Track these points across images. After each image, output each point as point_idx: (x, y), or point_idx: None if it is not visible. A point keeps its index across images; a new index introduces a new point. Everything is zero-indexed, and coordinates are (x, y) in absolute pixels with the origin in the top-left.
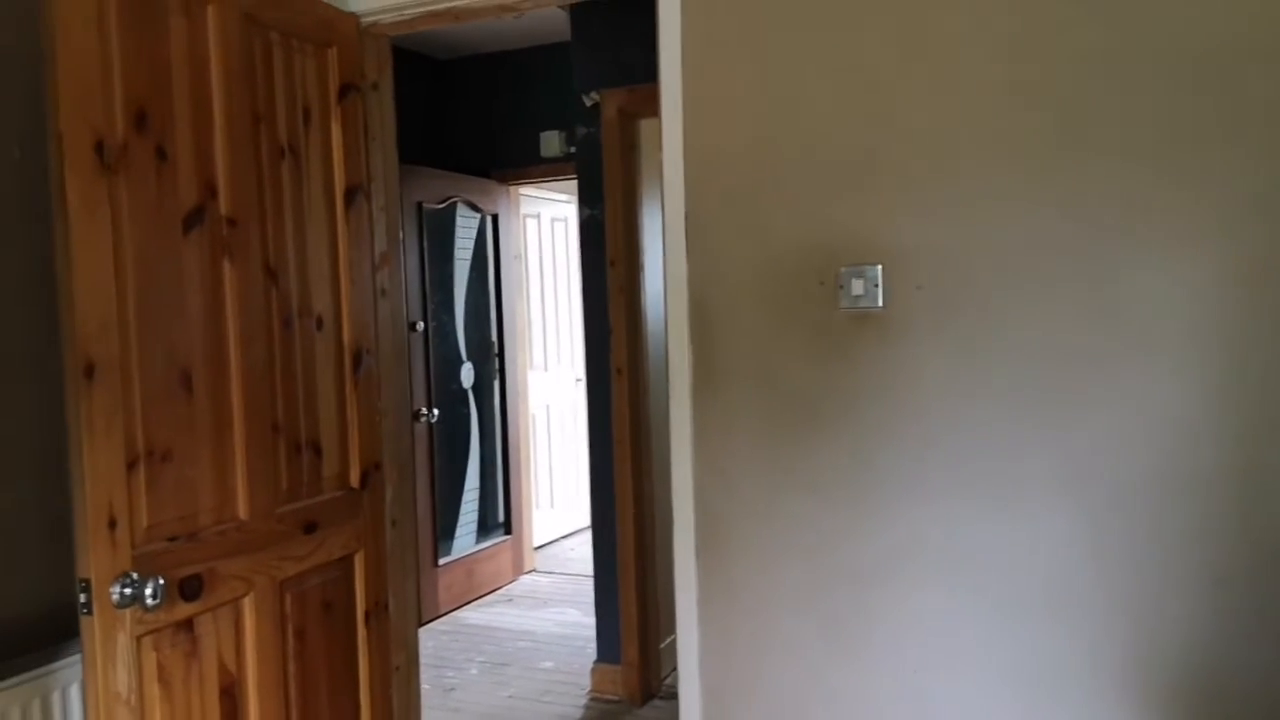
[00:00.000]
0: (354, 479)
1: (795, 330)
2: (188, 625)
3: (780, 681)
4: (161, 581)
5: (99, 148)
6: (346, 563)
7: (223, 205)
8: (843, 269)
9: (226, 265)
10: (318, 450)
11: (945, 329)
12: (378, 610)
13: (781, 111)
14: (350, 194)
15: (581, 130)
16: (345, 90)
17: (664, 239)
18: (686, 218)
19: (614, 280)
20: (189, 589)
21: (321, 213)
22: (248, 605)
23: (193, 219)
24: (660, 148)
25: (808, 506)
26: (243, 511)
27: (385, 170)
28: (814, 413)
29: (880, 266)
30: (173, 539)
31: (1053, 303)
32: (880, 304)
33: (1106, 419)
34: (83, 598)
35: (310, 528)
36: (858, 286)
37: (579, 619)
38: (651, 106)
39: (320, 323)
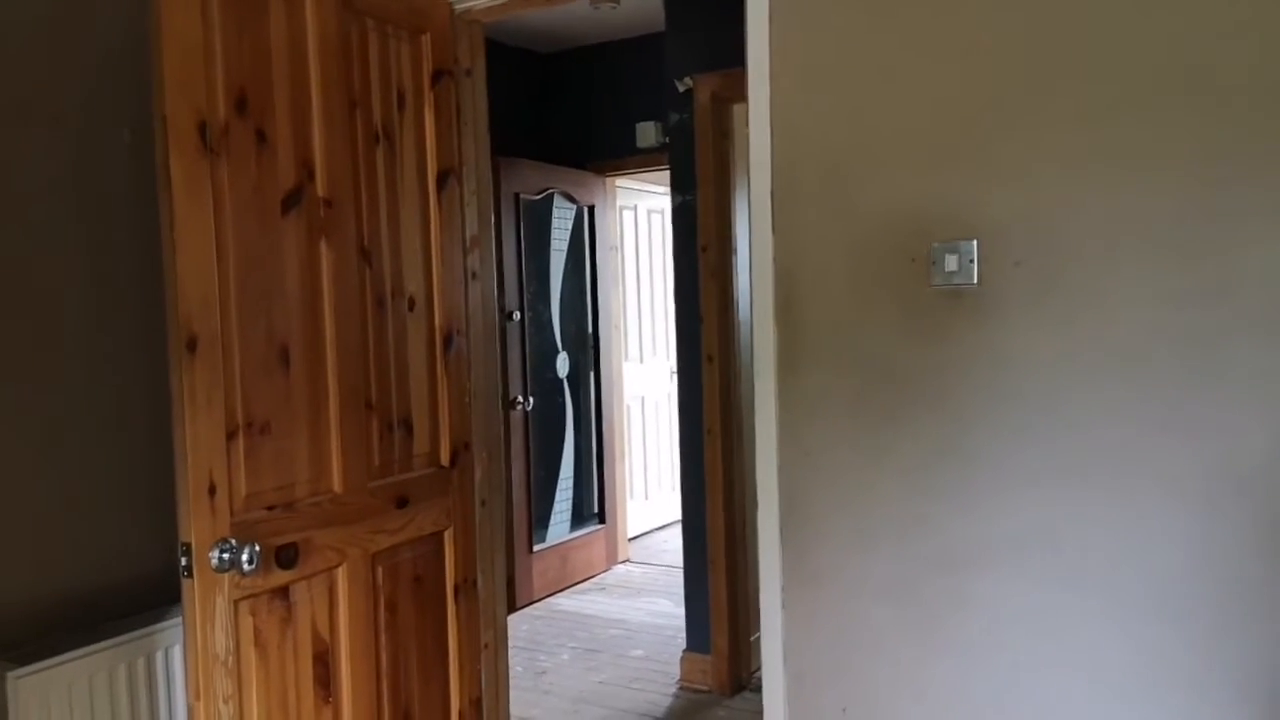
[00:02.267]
0: (444, 457)
1: (884, 309)
2: (283, 592)
3: (868, 673)
4: (258, 548)
5: (201, 130)
6: (437, 539)
7: (320, 187)
8: (935, 245)
9: (323, 246)
10: (409, 428)
11: (1045, 307)
12: (466, 587)
13: (872, 82)
14: (442, 178)
15: (675, 117)
16: (438, 76)
17: (750, 215)
18: (773, 194)
19: (705, 266)
20: (284, 557)
21: (414, 196)
22: (341, 575)
23: (291, 200)
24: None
25: (897, 491)
26: (337, 484)
27: (477, 155)
28: (904, 395)
29: (975, 241)
30: (270, 508)
31: (1164, 280)
32: (975, 281)
33: (1224, 406)
34: (183, 561)
35: (402, 503)
36: (951, 263)
37: (670, 609)
38: (744, 91)
39: (412, 304)
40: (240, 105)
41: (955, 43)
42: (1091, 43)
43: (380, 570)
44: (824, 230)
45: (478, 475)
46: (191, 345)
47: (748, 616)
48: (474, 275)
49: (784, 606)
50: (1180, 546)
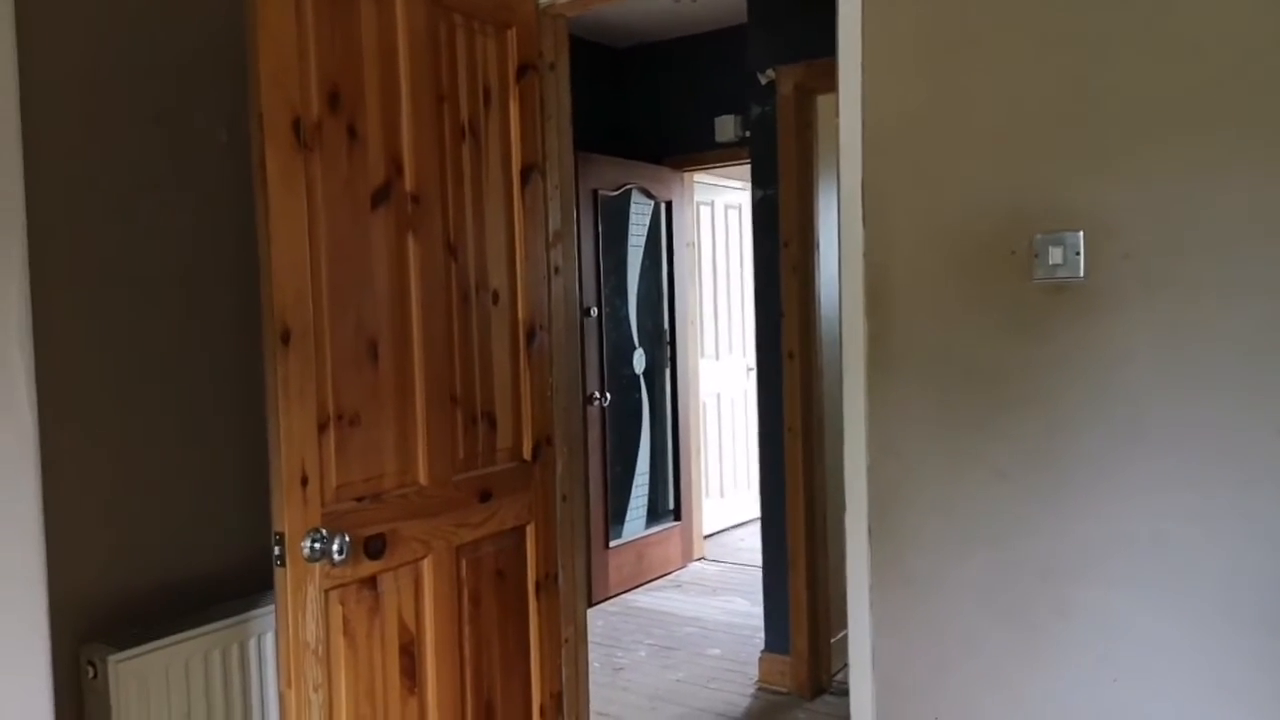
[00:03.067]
0: (526, 452)
1: (982, 303)
2: (371, 582)
3: (961, 682)
4: (348, 539)
5: (296, 126)
6: (519, 533)
7: (408, 183)
8: (1038, 236)
9: (410, 240)
10: (492, 422)
11: (1157, 304)
12: (548, 582)
13: (972, 68)
14: (526, 173)
15: (756, 109)
16: (523, 70)
17: (839, 207)
18: (863, 184)
19: (787, 261)
20: (373, 548)
21: (499, 191)
22: (427, 567)
23: (380, 195)
24: (838, 122)
25: (993, 493)
26: (423, 477)
27: (560, 150)
28: (1002, 393)
29: (1082, 233)
30: (359, 499)
31: None
32: (1081, 274)
33: None
34: (276, 550)
35: (485, 496)
36: (1055, 255)
37: (747, 608)
38: (829, 81)
39: (496, 298)
40: (333, 101)
41: (1064, 28)
42: (1214, 36)
43: (464, 563)
44: (917, 222)
45: (559, 470)
46: (285, 338)
47: (828, 618)
48: (556, 270)
49: (872, 610)
50: None
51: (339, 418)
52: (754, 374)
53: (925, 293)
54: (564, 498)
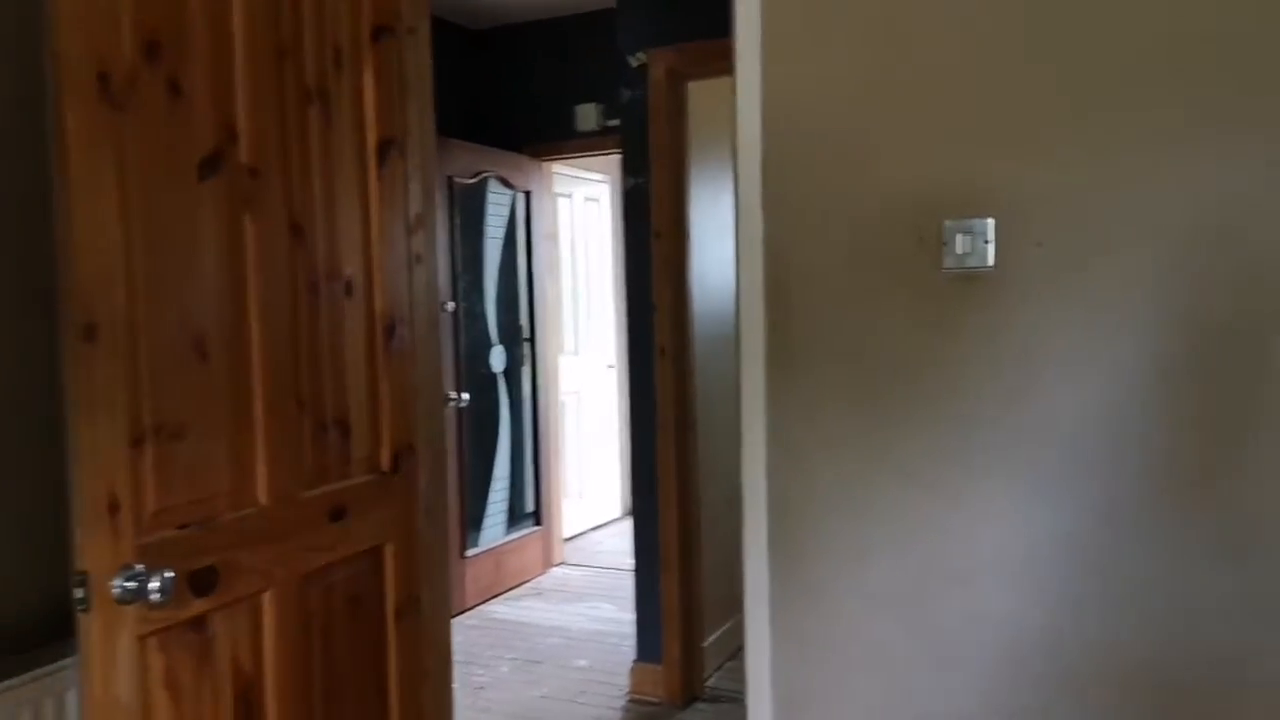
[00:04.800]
0: (385, 462)
1: (889, 294)
2: (200, 623)
3: (863, 691)
4: (170, 574)
5: (104, 79)
6: (376, 554)
7: (243, 152)
8: (947, 223)
9: (247, 219)
10: (345, 429)
11: (1071, 295)
12: (409, 607)
13: (878, 46)
14: (384, 148)
15: (626, 94)
16: (379, 33)
17: (736, 191)
18: (763, 168)
19: (659, 254)
20: (202, 582)
21: (352, 167)
22: (268, 601)
23: (209, 165)
24: (713, 111)
25: (901, 496)
26: (263, 496)
27: (421, 126)
28: (910, 389)
29: (992, 220)
30: (184, 526)
31: (1208, 268)
32: (991, 263)
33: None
34: (79, 592)
35: (337, 515)
36: (964, 243)
37: (614, 614)
38: (703, 67)
39: (350, 288)
40: (151, 50)
41: (978, 4)
42: (1130, 18)
43: (313, 593)
44: (821, 207)
45: (422, 481)
46: (90, 333)
47: (701, 623)
48: (418, 258)
49: (772, 621)
50: (1206, 568)
51: (158, 430)
52: (615, 371)
53: (829, 283)
54: (428, 511)
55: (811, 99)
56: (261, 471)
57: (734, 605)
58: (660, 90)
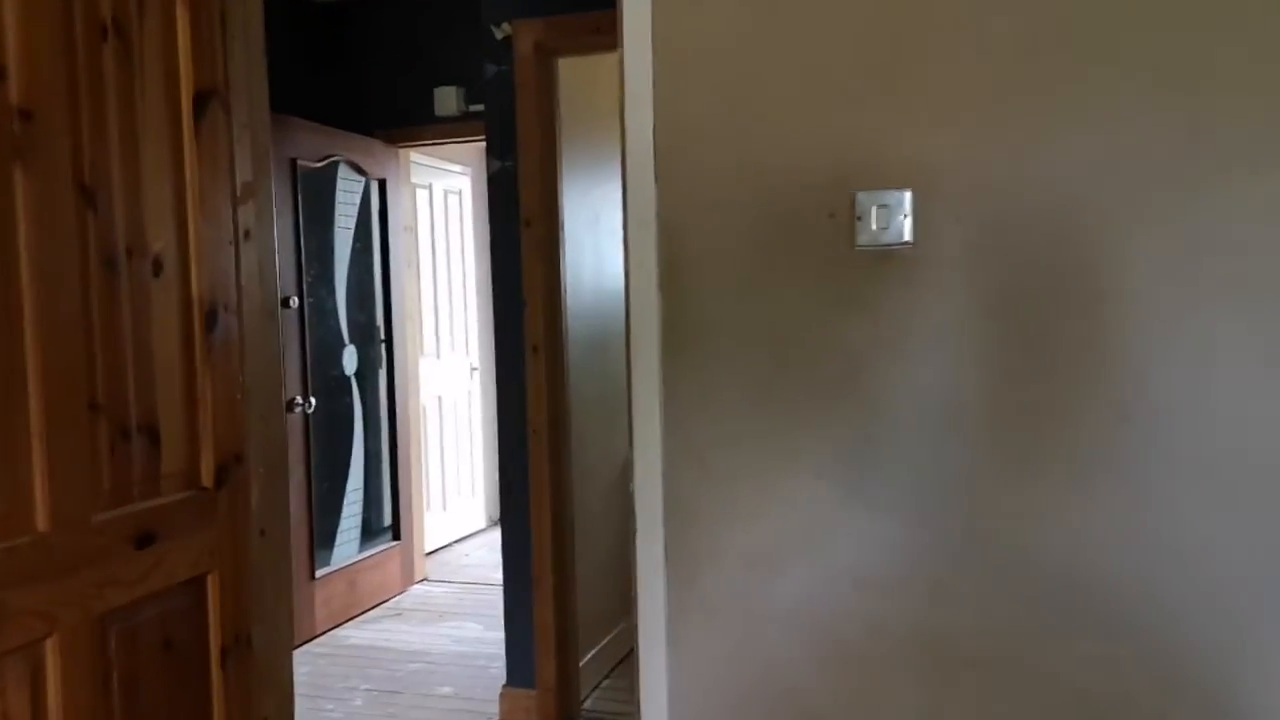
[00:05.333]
0: (205, 476)
1: (795, 274)
2: None
3: (766, 717)
4: None
5: None
6: (196, 586)
7: (13, 90)
8: (860, 195)
9: (18, 174)
10: (154, 437)
11: (993, 273)
12: (238, 647)
13: None
14: (201, 101)
15: (491, 69)
16: None
17: (624, 167)
18: (655, 134)
19: (529, 243)
20: None
21: (161, 122)
22: (51, 650)
23: None
24: (583, 91)
25: (811, 497)
26: (42, 520)
27: (250, 78)
28: (820, 379)
29: (909, 192)
30: None
31: (1140, 241)
32: (908, 238)
33: (1207, 393)
34: None
35: (145, 540)
36: (880, 217)
37: (479, 634)
38: (573, 41)
39: (159, 266)
40: None
41: None
42: None
43: (113, 637)
44: (722, 179)
45: (254, 497)
46: None
47: (577, 641)
48: (247, 235)
49: (670, 643)
50: (1139, 555)
51: None
52: (478, 374)
53: (731, 261)
54: (262, 532)
55: (707, 61)
56: (40, 490)
57: (611, 619)
58: (528, 65)
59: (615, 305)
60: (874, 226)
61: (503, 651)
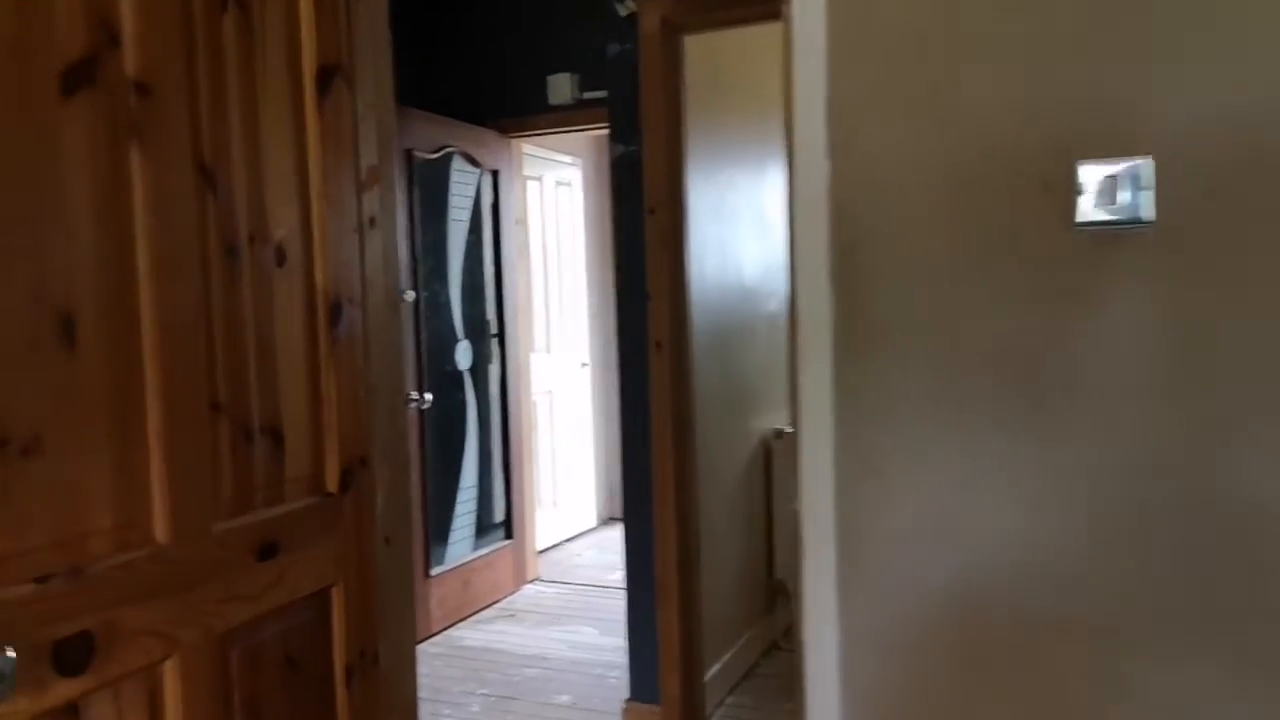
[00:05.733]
0: (330, 481)
1: (1002, 260)
2: (69, 712)
3: None
4: (10, 653)
5: None
6: (320, 600)
7: (129, 61)
8: (1082, 165)
9: (135, 154)
10: (278, 439)
11: (1262, 259)
12: (364, 663)
13: None
14: (325, 77)
15: (614, 48)
16: None
17: (791, 138)
18: (830, 103)
19: (653, 232)
20: (71, 656)
21: (283, 99)
22: (170, 673)
23: (78, 76)
24: (708, 70)
25: (1016, 528)
26: (161, 532)
27: (375, 55)
28: (1028, 385)
29: (1151, 160)
30: (41, 580)
31: None
32: (1145, 217)
33: None
34: None
35: (267, 551)
36: (1107, 192)
37: (595, 640)
38: (702, 18)
39: (282, 255)
40: None
41: None
42: None
43: (234, 656)
44: (908, 150)
45: (379, 502)
46: None
47: (702, 655)
48: (372, 222)
49: (844, 684)
50: None
51: (4, 442)
52: (588, 370)
53: (919, 246)
54: (387, 540)
55: (891, 14)
56: (159, 498)
57: (735, 628)
58: (653, 44)
59: (738, 298)
60: (1100, 202)
61: (620, 659)
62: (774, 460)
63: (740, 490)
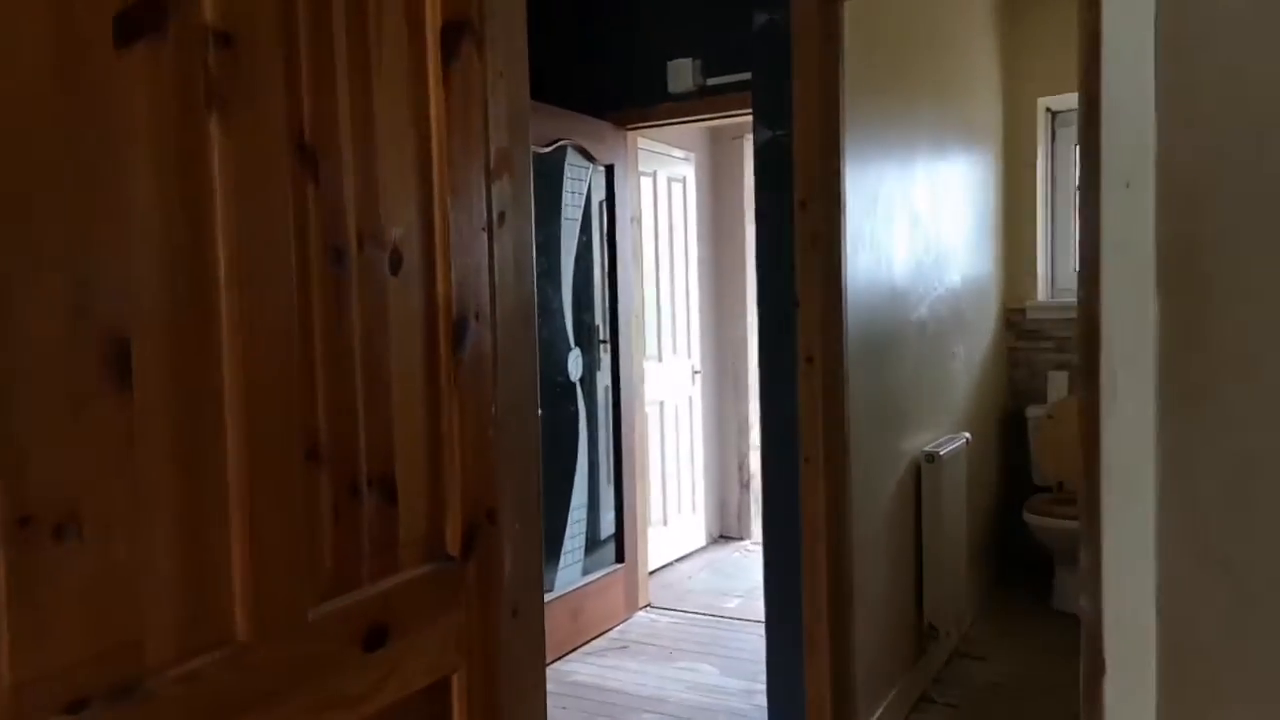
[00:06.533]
0: (452, 541)
1: None
2: None
3: None
4: None
5: None
6: (437, 693)
7: (207, 6)
8: None
9: (214, 127)
10: (389, 493)
11: None
12: None
13: None
14: (452, 35)
15: (760, 17)
16: None
17: (1089, 88)
18: (1161, 36)
19: (804, 229)
20: None
21: (402, 59)
22: None
23: (137, 20)
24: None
25: None
26: (242, 625)
27: (508, 10)
28: None
29: None
30: (78, 706)
31: None
32: None
33: None
34: None
35: (376, 638)
36: None
37: (717, 680)
38: None
39: (398, 260)
40: None
41: None
42: None
43: None
44: None
45: (507, 565)
46: None
47: (855, 711)
48: (502, 219)
49: None
50: None
51: (25, 521)
52: (700, 378)
53: None
54: (515, 612)
55: None
56: (240, 581)
57: (886, 681)
58: (809, 11)
59: (888, 303)
60: None
61: (745, 705)
62: (924, 486)
63: (889, 520)
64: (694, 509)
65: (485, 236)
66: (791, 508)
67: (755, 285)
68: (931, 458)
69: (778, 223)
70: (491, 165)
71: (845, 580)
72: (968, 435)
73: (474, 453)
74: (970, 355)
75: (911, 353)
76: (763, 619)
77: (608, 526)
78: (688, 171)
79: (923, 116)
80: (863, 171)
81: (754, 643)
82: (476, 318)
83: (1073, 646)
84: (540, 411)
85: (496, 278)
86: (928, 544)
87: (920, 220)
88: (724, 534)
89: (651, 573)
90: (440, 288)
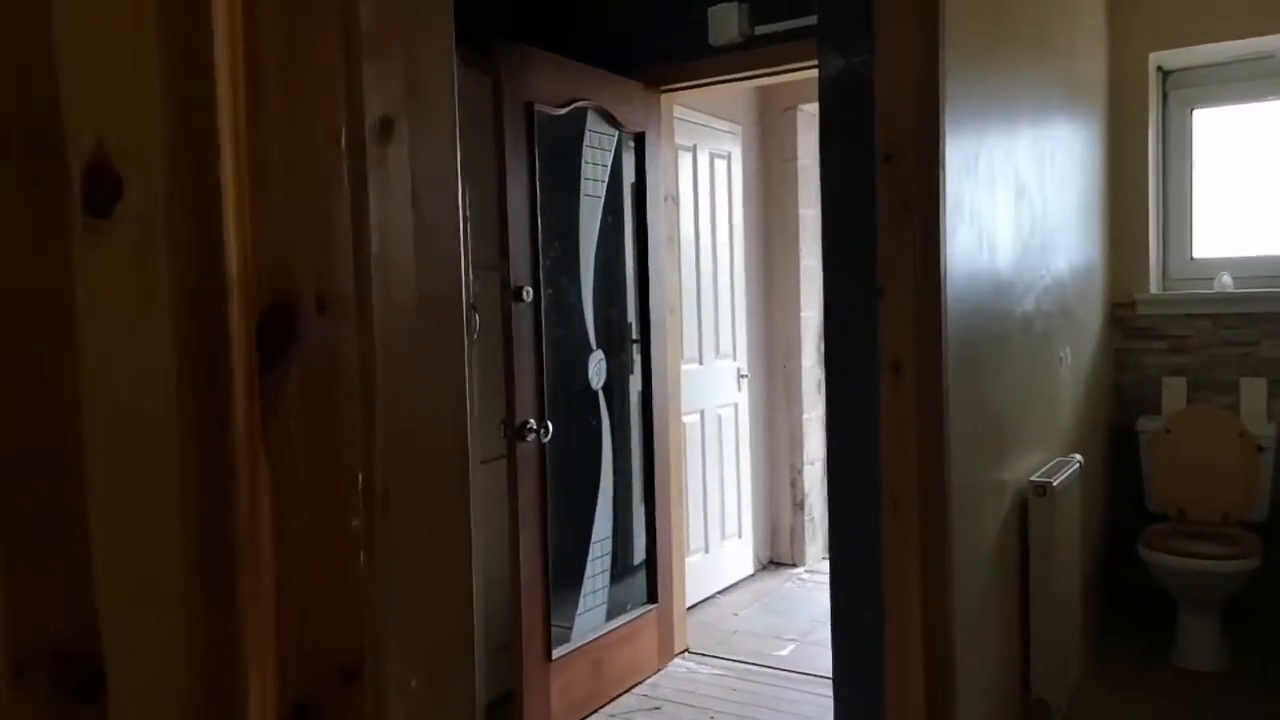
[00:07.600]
0: None
1: None
2: None
3: None
4: None
5: None
6: None
7: None
8: None
9: None
10: (90, 683)
11: None
12: None
13: None
14: None
15: None
16: None
17: None
18: None
19: (891, 190)
20: None
21: None
22: None
23: None
24: None
25: None
26: None
27: None
28: None
29: None
30: None
31: None
32: None
33: None
34: None
35: None
36: None
37: None
38: None
39: (112, 185)
40: None
41: None
42: None
43: None
44: None
45: None
46: None
47: None
48: (386, 129)
49: None
50: None
51: None
52: (746, 383)
53: None
54: None
55: None
56: None
57: None
58: None
59: (991, 295)
60: None
61: None
62: (1031, 525)
63: (989, 570)
64: (740, 533)
65: (346, 159)
66: (875, 569)
67: (821, 267)
68: (1042, 490)
69: (852, 186)
70: (363, 28)
71: (946, 657)
72: (1079, 458)
73: (308, 570)
74: (1077, 359)
75: (1015, 357)
76: (820, 672)
77: (638, 553)
78: (733, 147)
79: (1023, 70)
80: (959, 123)
81: (814, 704)
82: (321, 306)
83: (1205, 715)
84: (551, 427)
85: (375, 234)
86: (1036, 600)
87: (1028, 192)
88: (774, 559)
89: (690, 608)
90: (232, 246)
